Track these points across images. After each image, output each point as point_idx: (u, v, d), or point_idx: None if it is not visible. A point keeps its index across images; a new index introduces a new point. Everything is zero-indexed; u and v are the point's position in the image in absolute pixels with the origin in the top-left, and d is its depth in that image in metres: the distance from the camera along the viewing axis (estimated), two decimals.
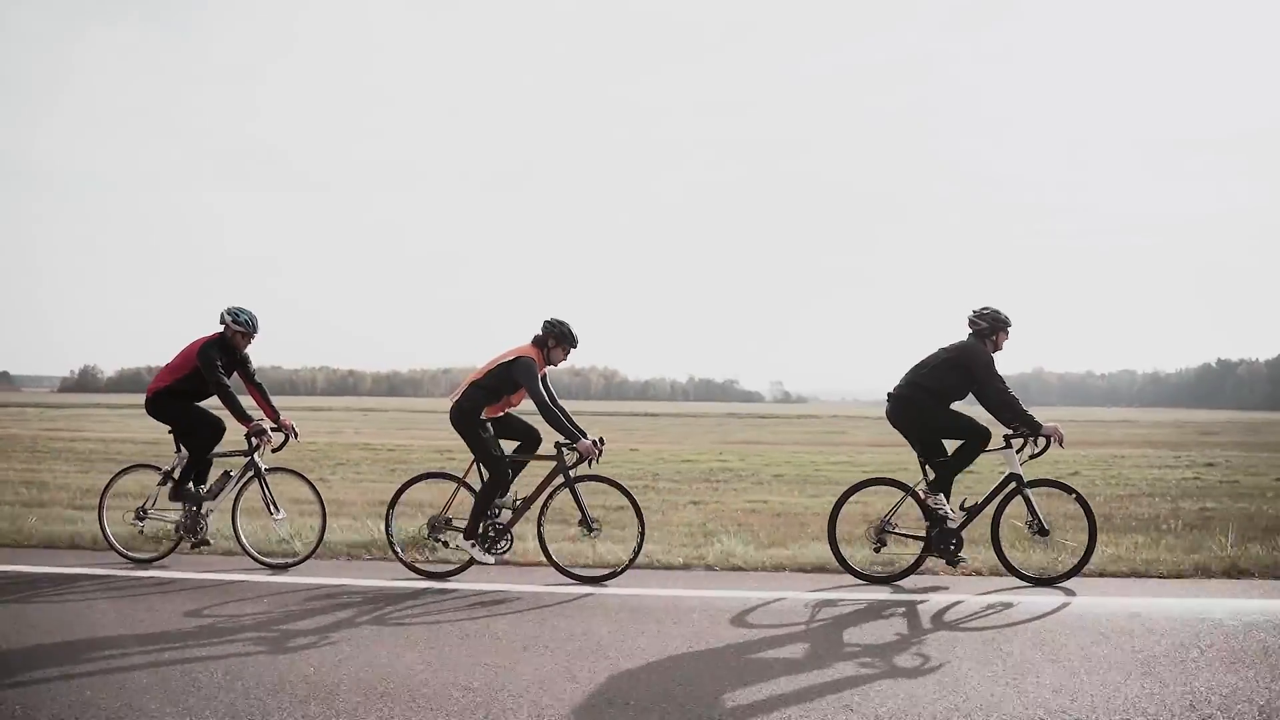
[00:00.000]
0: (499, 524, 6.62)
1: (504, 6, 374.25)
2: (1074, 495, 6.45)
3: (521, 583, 6.38)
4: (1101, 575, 6.55)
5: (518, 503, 6.69)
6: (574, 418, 6.66)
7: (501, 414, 6.81)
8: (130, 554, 7.08)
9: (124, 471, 7.41)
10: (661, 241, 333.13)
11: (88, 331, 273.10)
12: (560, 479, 6.59)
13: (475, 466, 6.69)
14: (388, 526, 6.79)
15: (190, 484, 7.09)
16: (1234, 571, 6.61)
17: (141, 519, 7.08)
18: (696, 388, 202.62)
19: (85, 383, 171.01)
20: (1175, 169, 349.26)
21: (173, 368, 7.10)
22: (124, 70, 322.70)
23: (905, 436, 6.57)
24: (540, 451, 6.75)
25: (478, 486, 6.65)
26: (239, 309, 7.08)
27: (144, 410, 7.17)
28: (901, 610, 5.69)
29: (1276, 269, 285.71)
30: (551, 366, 6.75)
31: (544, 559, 6.61)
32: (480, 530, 6.56)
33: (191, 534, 6.97)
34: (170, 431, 7.16)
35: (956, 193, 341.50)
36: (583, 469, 6.61)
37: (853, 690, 4.22)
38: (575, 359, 6.89)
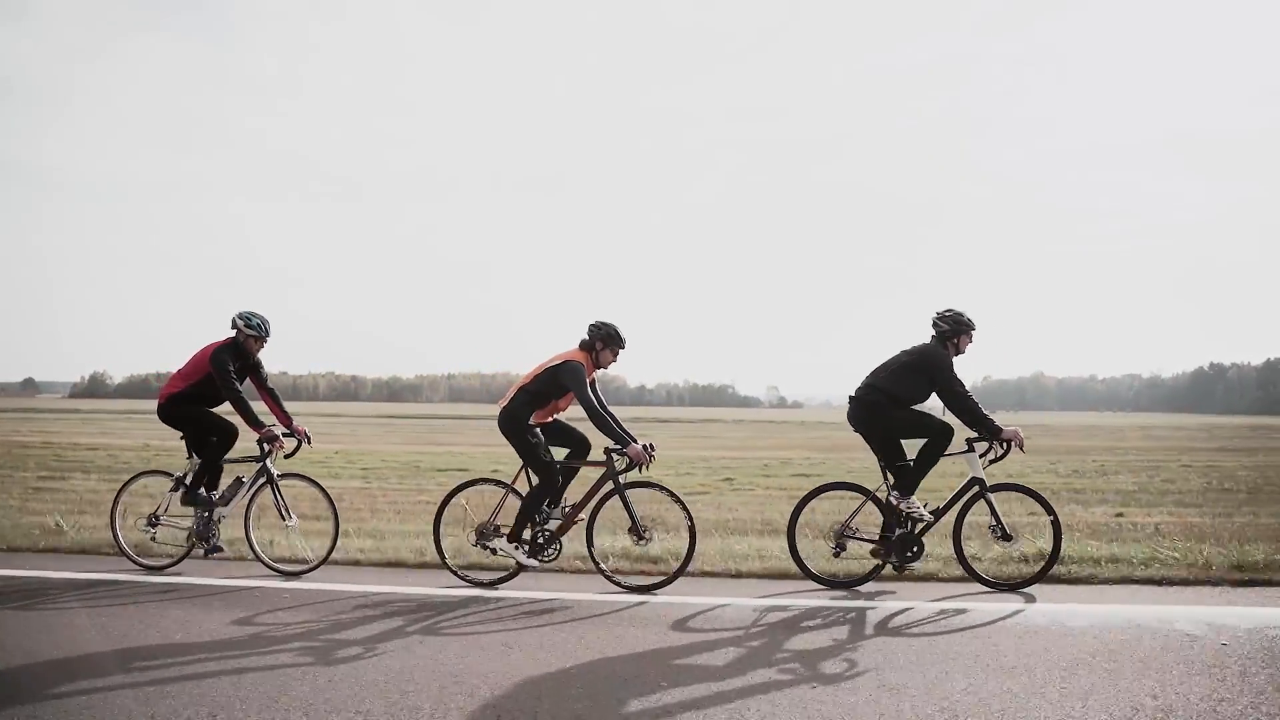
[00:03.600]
0: (548, 530, 6.52)
1: (534, 17, 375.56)
2: (1038, 499, 6.32)
3: (571, 591, 6.30)
4: (1068, 582, 6.39)
5: (567, 509, 6.58)
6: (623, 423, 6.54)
7: (551, 419, 6.74)
8: (142, 561, 7.06)
9: (135, 478, 7.36)
10: (683, 248, 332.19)
11: (101, 338, 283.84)
12: (610, 485, 6.49)
13: (524, 473, 6.61)
14: (436, 533, 6.72)
15: (202, 489, 7.02)
16: (1201, 579, 6.40)
17: (154, 526, 7.04)
18: (693, 393, 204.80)
19: (95, 388, 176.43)
20: (1186, 169, 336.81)
21: (185, 373, 7.04)
22: (155, 80, 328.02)
23: (866, 440, 6.50)
24: (590, 458, 6.64)
25: (526, 494, 6.56)
26: (251, 313, 7.03)
27: (156, 416, 7.12)
28: (849, 616, 5.62)
29: (1273, 270, 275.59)
30: (601, 370, 6.65)
31: (593, 567, 6.52)
32: (526, 535, 6.47)
33: (204, 541, 6.93)
34: (183, 438, 7.12)
35: (989, 196, 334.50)
36: (633, 475, 6.52)
37: (763, 697, 4.17)
38: None
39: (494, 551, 6.65)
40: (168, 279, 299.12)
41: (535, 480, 6.54)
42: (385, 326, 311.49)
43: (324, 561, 6.93)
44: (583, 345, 6.60)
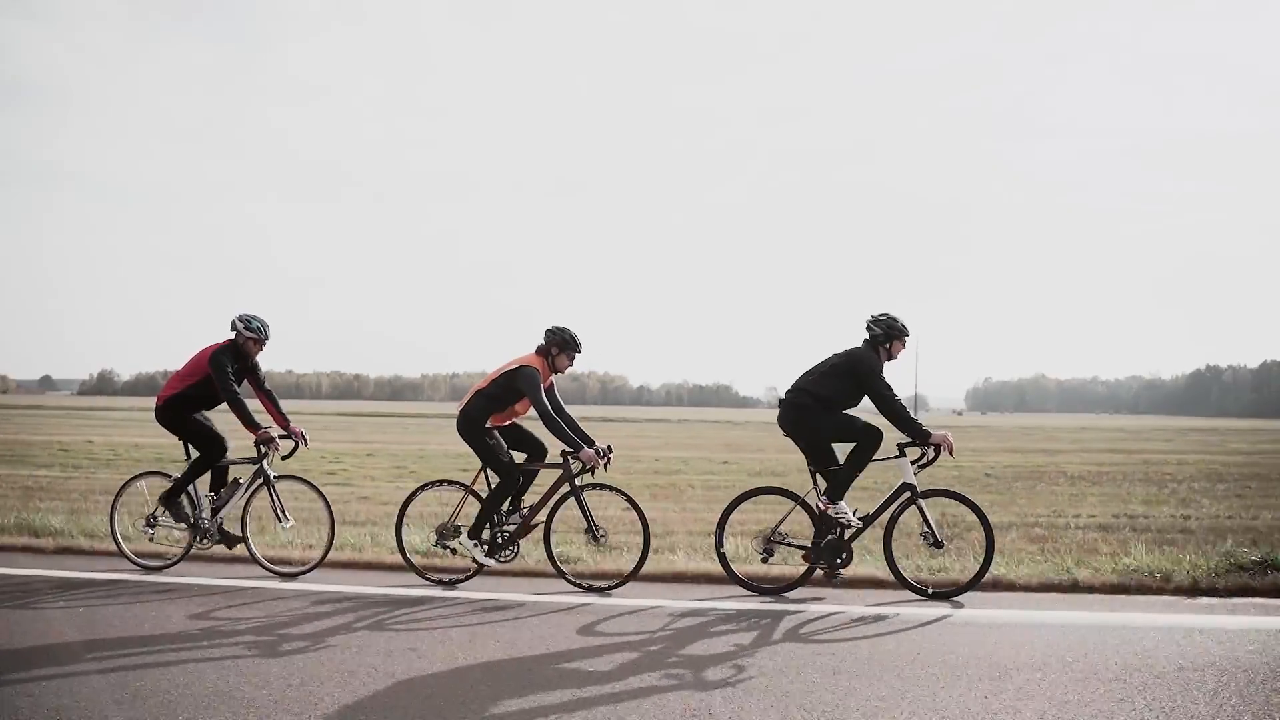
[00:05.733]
0: (506, 531, 6.63)
1: (558, 19, 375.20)
2: (971, 506, 6.17)
3: (528, 591, 6.37)
4: (1001, 589, 6.25)
5: (524, 511, 6.69)
6: (580, 425, 6.64)
7: (508, 424, 6.84)
8: (140, 561, 7.09)
9: (135, 478, 7.36)
10: (699, 249, 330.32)
11: (114, 335, 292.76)
12: (566, 487, 6.58)
13: (483, 474, 6.71)
14: (398, 533, 6.80)
15: (183, 499, 7.04)
16: (1143, 588, 6.26)
17: (152, 526, 7.08)
18: (692, 393, 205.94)
19: (103, 386, 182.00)
20: (1193, 171, 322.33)
21: (183, 374, 7.05)
22: (176, 82, 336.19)
23: (795, 443, 6.43)
24: (547, 461, 6.73)
25: (485, 494, 6.67)
26: (250, 316, 7.04)
27: (154, 417, 7.14)
28: (763, 621, 5.58)
29: (1273, 271, 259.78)
30: (558, 374, 6.75)
31: (551, 567, 6.59)
32: (486, 534, 6.58)
33: (204, 535, 7.02)
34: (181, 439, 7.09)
35: (1005, 197, 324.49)
36: (589, 478, 6.61)
37: (636, 701, 4.19)
38: (577, 364, 6.76)
39: (453, 551, 6.78)
40: (181, 279, 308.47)
41: (495, 481, 6.65)
42: (404, 327, 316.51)
43: (320, 563, 6.98)
44: (539, 350, 6.71)
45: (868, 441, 6.21)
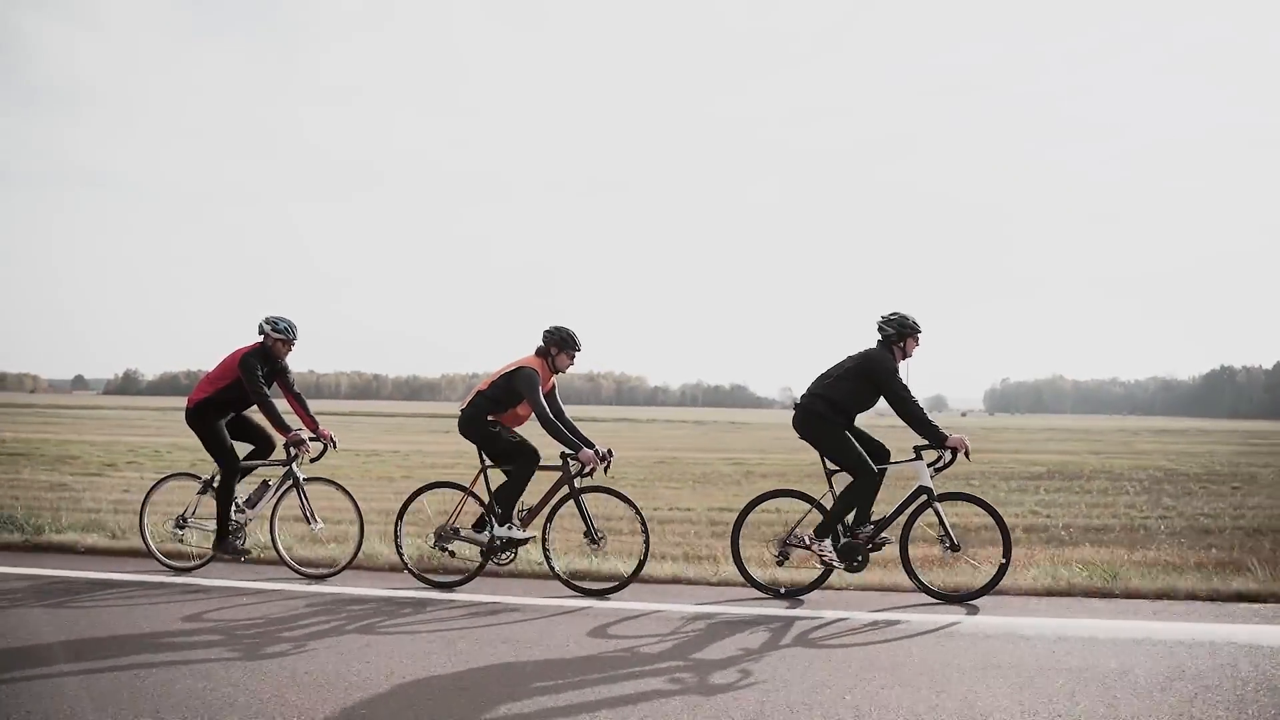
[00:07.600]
0: (501, 537, 6.55)
1: (590, 21, 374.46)
2: (988, 509, 6.00)
3: (525, 594, 6.28)
4: (1019, 594, 6.09)
5: (523, 513, 6.60)
6: (578, 426, 6.57)
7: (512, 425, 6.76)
8: (170, 562, 7.07)
9: (164, 480, 7.39)
10: (729, 250, 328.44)
11: (145, 335, 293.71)
12: (565, 490, 6.51)
13: (482, 476, 6.65)
14: (397, 537, 6.75)
15: (230, 509, 7.01)
16: (1164, 593, 6.07)
17: (181, 528, 7.06)
18: (706, 393, 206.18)
19: (128, 386, 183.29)
20: (1217, 169, 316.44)
21: (213, 378, 7.05)
22: (214, 85, 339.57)
23: (814, 447, 6.30)
24: (546, 462, 6.64)
25: (484, 496, 6.60)
26: (278, 318, 7.03)
27: (184, 420, 7.11)
28: (775, 625, 5.44)
29: None
30: (560, 374, 6.68)
31: (548, 570, 6.53)
32: (502, 533, 6.50)
33: (227, 548, 6.95)
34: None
35: (1036, 197, 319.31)
36: (588, 480, 6.53)
37: (634, 705, 4.09)
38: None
39: (452, 553, 6.72)
40: (208, 279, 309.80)
41: (504, 474, 6.62)
42: (423, 327, 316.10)
43: (349, 565, 6.91)
44: (538, 352, 6.66)
45: (863, 484, 6.04)
